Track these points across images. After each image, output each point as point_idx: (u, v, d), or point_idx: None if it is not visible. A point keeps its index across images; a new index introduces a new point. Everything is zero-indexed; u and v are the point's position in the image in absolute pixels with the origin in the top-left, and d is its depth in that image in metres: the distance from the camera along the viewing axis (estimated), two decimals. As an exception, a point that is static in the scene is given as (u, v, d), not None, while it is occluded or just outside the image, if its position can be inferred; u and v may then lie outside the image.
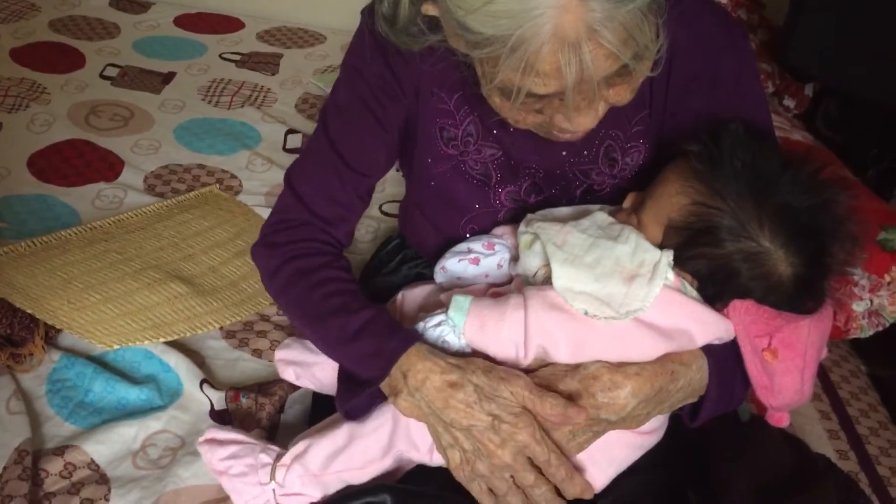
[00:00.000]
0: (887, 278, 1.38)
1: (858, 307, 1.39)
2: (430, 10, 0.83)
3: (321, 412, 1.07)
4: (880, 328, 1.42)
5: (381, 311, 0.97)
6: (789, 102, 2.02)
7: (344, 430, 0.96)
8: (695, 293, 0.90)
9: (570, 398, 0.87)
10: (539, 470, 0.87)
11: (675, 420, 0.98)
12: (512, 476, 0.87)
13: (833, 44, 1.64)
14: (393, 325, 0.95)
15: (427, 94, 1.01)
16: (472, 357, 0.90)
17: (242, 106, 1.93)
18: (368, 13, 0.99)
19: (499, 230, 1.06)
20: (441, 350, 0.91)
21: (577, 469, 0.90)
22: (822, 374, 1.42)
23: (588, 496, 0.90)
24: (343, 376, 0.98)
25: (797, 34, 1.70)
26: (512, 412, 0.85)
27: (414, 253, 1.19)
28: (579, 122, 0.83)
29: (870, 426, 1.32)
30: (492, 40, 0.74)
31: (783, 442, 1.06)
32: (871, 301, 1.39)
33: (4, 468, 0.99)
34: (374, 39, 0.98)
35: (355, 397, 0.93)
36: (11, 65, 1.94)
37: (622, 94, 0.84)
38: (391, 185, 1.71)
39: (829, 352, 1.47)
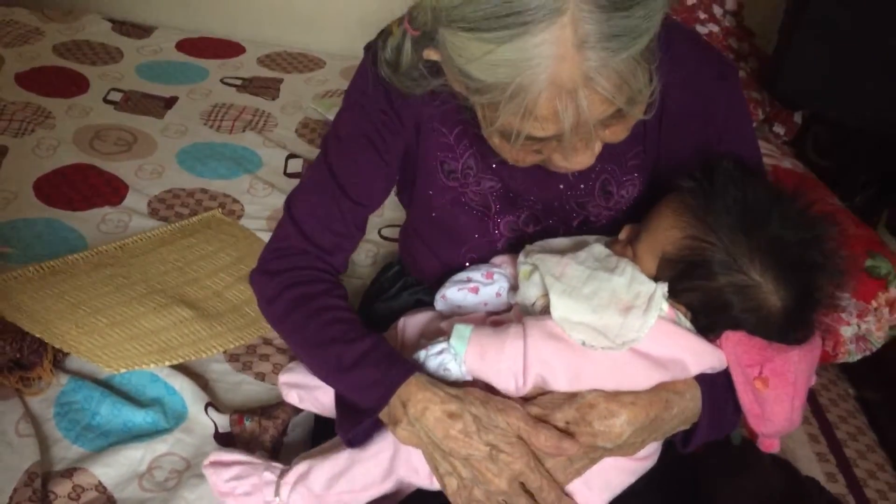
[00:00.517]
0: (874, 304, 1.42)
1: (846, 332, 1.43)
2: (431, 55, 0.87)
3: (323, 434, 1.09)
4: (867, 353, 1.46)
5: (380, 341, 0.99)
6: (779, 129, 2.07)
7: (345, 454, 0.99)
8: (688, 324, 0.93)
9: (568, 426, 0.90)
10: (531, 495, 0.90)
11: (669, 444, 1.02)
12: (505, 501, 0.90)
13: (821, 73, 1.68)
14: (392, 355, 0.97)
15: (428, 129, 1.04)
16: (471, 385, 0.93)
17: (244, 130, 1.97)
18: (371, 50, 1.03)
19: (497, 259, 1.09)
20: (441, 377, 0.94)
21: (567, 496, 0.93)
22: (812, 398, 1.45)
23: None
24: (341, 404, 1.00)
25: (786, 64, 1.74)
26: (508, 442, 0.88)
27: (414, 280, 1.22)
28: (577, 161, 0.87)
29: (858, 449, 1.36)
30: (492, 87, 0.77)
31: (773, 465, 1.09)
32: (859, 326, 1.43)
33: (15, 490, 1.01)
34: (376, 75, 1.01)
35: (355, 426, 0.95)
36: (16, 89, 1.97)
37: (618, 134, 0.87)
38: (390, 210, 1.74)
39: (818, 376, 1.51)
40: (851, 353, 1.46)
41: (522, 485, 0.90)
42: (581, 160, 0.87)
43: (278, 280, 1.06)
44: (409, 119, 1.04)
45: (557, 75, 0.74)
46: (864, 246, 1.47)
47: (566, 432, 0.90)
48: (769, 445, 0.99)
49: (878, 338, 1.45)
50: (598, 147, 0.88)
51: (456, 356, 0.95)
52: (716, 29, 2.11)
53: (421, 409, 0.89)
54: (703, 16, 2.13)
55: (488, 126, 0.85)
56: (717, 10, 2.19)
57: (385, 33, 0.96)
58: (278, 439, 1.16)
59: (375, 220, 1.62)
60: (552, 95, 0.76)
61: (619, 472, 0.97)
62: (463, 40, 0.77)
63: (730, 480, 1.03)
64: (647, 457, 0.98)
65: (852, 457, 1.33)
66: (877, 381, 1.57)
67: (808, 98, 1.81)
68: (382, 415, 0.94)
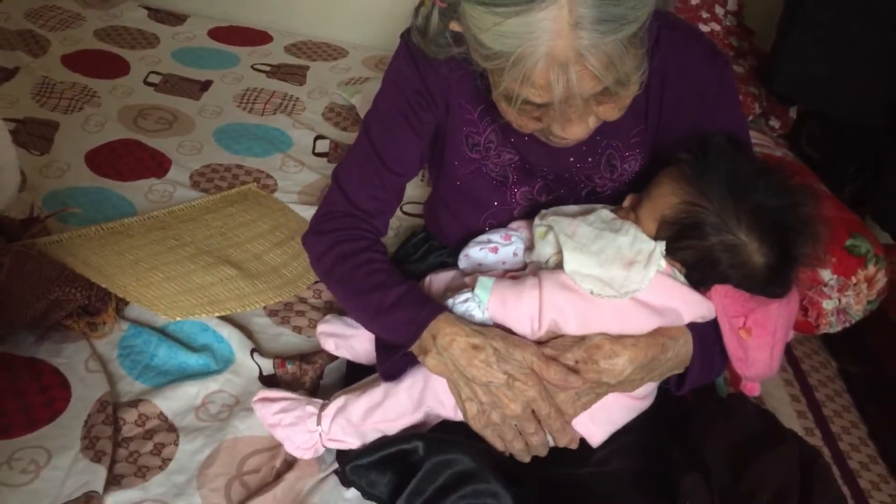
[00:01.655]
0: (854, 280, 1.55)
1: (828, 305, 1.56)
2: (455, 26, 1.00)
3: (355, 378, 1.22)
4: (847, 325, 1.59)
5: (414, 286, 1.14)
6: (775, 123, 2.19)
7: (381, 388, 1.12)
8: (682, 278, 1.07)
9: (577, 364, 1.04)
10: (539, 422, 1.04)
11: (664, 392, 1.15)
12: (517, 426, 1.04)
13: (813, 70, 1.80)
14: (424, 298, 1.12)
15: (455, 106, 1.18)
16: (492, 328, 1.07)
17: (274, 113, 2.10)
18: (406, 35, 1.17)
19: (514, 224, 1.23)
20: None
21: (571, 426, 1.07)
22: (794, 362, 1.59)
23: (573, 446, 1.07)
24: (381, 345, 1.15)
25: (781, 61, 1.87)
26: (524, 373, 1.02)
27: (438, 244, 1.36)
28: (571, 131, 1.00)
29: (834, 409, 1.49)
30: (498, 55, 0.90)
31: (756, 414, 1.22)
32: (840, 300, 1.56)
33: (89, 415, 1.15)
34: (412, 59, 1.15)
35: (392, 359, 1.09)
36: (64, 70, 2.10)
37: (610, 112, 1.00)
38: (411, 188, 1.85)
39: (801, 344, 1.64)
40: (832, 325, 1.59)
41: (533, 413, 1.04)
42: (575, 130, 1.00)
43: (326, 238, 1.21)
44: (440, 98, 1.17)
45: (553, 48, 0.87)
46: (845, 227, 1.60)
47: (575, 370, 1.04)
48: (751, 388, 1.13)
49: (857, 311, 1.58)
50: (592, 122, 1.00)
51: (480, 304, 1.09)
52: (717, 28, 2.23)
53: (448, 340, 1.03)
54: (705, 15, 2.25)
55: (496, 90, 0.98)
56: (719, 10, 2.31)
57: (419, 4, 1.08)
58: (316, 381, 1.30)
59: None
60: (547, 66, 0.88)
61: (620, 408, 1.11)
62: (479, 12, 0.90)
63: (716, 423, 1.15)
64: (644, 396, 1.12)
65: (829, 415, 1.47)
66: (857, 355, 1.71)
67: (801, 93, 1.94)
68: (414, 348, 1.07)
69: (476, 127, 1.19)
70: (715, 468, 1.07)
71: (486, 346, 1.02)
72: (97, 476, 1.07)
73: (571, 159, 1.18)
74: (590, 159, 1.18)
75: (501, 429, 1.04)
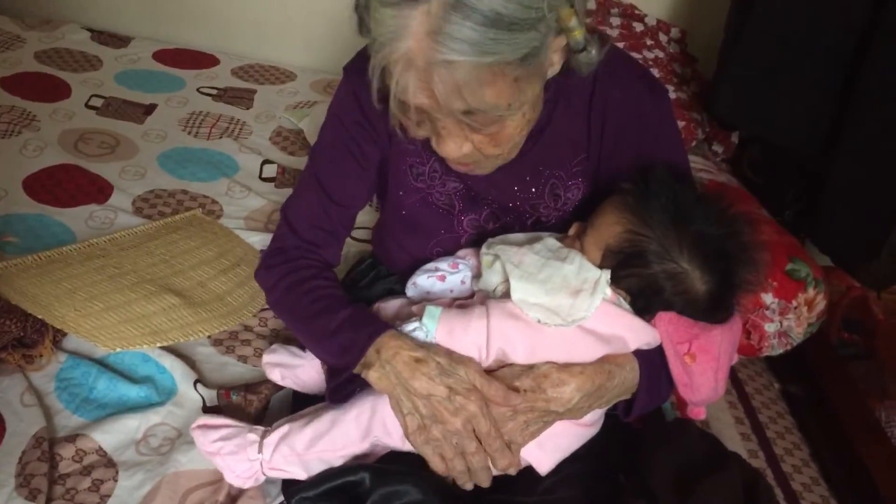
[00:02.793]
0: (794, 304, 1.58)
1: (770, 328, 1.59)
2: None
3: (301, 408, 1.20)
4: (789, 347, 1.62)
5: (359, 309, 1.14)
6: (717, 148, 2.24)
7: (327, 417, 1.11)
8: (628, 306, 1.08)
9: (525, 393, 1.04)
10: (479, 442, 1.04)
11: (611, 418, 1.16)
12: (457, 444, 1.03)
13: (751, 96, 1.84)
14: (369, 319, 1.12)
15: (397, 138, 1.18)
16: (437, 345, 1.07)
17: (220, 137, 2.07)
18: (348, 69, 1.17)
19: (462, 252, 1.23)
20: None
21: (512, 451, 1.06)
22: (738, 385, 1.61)
23: (512, 472, 1.07)
24: (330, 371, 1.14)
25: (721, 88, 1.91)
26: (466, 387, 1.02)
27: (386, 271, 1.36)
28: (443, 147, 1.01)
29: (777, 430, 1.52)
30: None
31: (701, 438, 1.24)
32: (781, 323, 1.59)
33: (24, 452, 1.11)
34: (353, 91, 1.16)
35: (338, 380, 1.09)
36: (2, 93, 2.05)
37: (486, 146, 1.01)
38: (360, 214, 1.86)
39: (745, 367, 1.67)
40: (774, 348, 1.62)
41: (474, 432, 1.03)
42: (446, 148, 1.01)
43: (275, 272, 1.21)
44: (382, 129, 1.17)
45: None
46: (785, 251, 1.63)
47: (516, 390, 1.03)
48: (697, 413, 1.15)
49: (798, 334, 1.61)
50: (467, 148, 1.01)
51: (427, 333, 1.08)
52: (661, 55, 2.28)
53: (392, 353, 1.03)
54: (649, 42, 2.30)
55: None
56: (663, 38, 2.36)
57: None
58: (261, 411, 1.28)
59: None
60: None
61: (569, 436, 1.11)
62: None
63: (661, 449, 1.16)
64: (592, 423, 1.12)
65: (772, 437, 1.49)
66: (799, 375, 1.74)
67: (739, 118, 1.98)
68: (359, 366, 1.07)
69: (420, 157, 1.19)
70: (661, 494, 1.09)
71: (430, 359, 1.03)
72: (31, 516, 1.03)
73: (515, 188, 1.19)
74: (533, 189, 1.19)
75: (442, 445, 1.03)
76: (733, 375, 1.63)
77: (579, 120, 1.14)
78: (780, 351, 1.62)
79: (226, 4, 2.61)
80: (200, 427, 1.14)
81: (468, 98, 0.89)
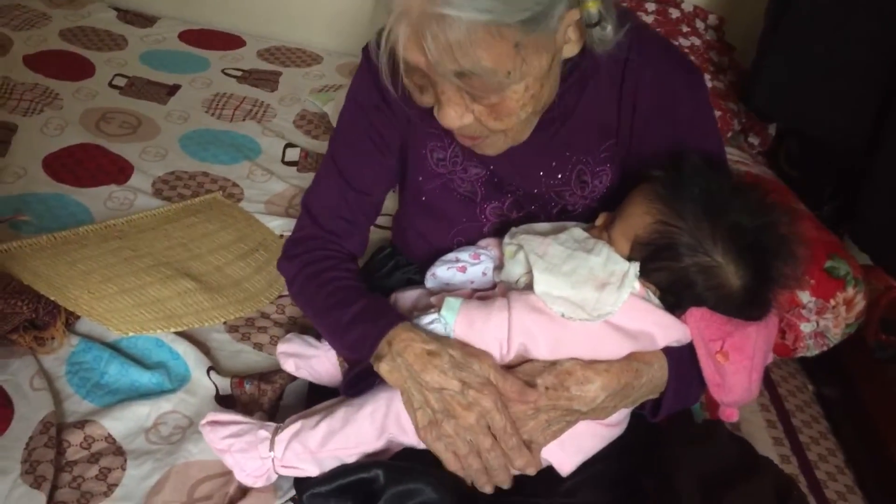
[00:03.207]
0: (832, 303, 1.52)
1: (806, 328, 1.53)
2: None
3: (316, 400, 1.16)
4: (825, 348, 1.56)
5: (374, 301, 1.10)
6: (753, 140, 2.17)
7: (341, 414, 1.07)
8: (657, 301, 1.03)
9: (547, 391, 0.99)
10: (495, 439, 0.99)
11: (636, 418, 1.11)
12: (471, 441, 0.99)
13: (791, 88, 1.77)
14: (382, 310, 1.08)
15: (418, 121, 1.14)
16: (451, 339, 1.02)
17: (244, 119, 2.04)
18: (367, 50, 1.12)
19: (483, 242, 1.18)
20: None
21: (532, 452, 1.01)
22: (771, 386, 1.55)
23: (531, 472, 1.02)
24: (348, 363, 1.11)
25: (760, 78, 1.84)
26: (479, 381, 0.97)
27: (405, 260, 1.31)
28: (442, 115, 0.96)
29: (811, 435, 1.46)
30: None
31: (731, 441, 1.18)
32: (818, 323, 1.53)
33: (31, 437, 1.08)
34: (372, 73, 1.11)
35: (353, 373, 1.05)
36: (25, 70, 2.03)
37: (487, 118, 0.95)
38: (382, 200, 1.82)
39: (778, 368, 1.61)
40: (810, 348, 1.56)
41: (489, 429, 0.99)
42: (445, 115, 0.95)
43: (295, 262, 1.19)
44: (401, 112, 1.13)
45: (408, 4, 0.83)
46: (824, 248, 1.57)
47: (533, 385, 0.99)
48: (729, 415, 1.09)
49: (835, 334, 1.55)
50: (468, 118, 0.95)
51: (446, 326, 1.04)
52: (698, 42, 2.21)
53: (404, 345, 0.99)
54: (685, 29, 2.23)
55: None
56: (700, 25, 2.29)
57: None
58: (275, 402, 1.24)
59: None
60: (399, 17, 0.84)
61: (591, 437, 1.06)
62: None
63: (689, 451, 1.11)
64: (617, 423, 1.08)
65: (806, 442, 1.43)
66: (834, 378, 1.67)
67: (778, 111, 1.91)
68: (372, 359, 1.03)
69: (441, 141, 1.15)
70: (687, 499, 1.03)
71: (443, 352, 0.98)
72: (36, 503, 1.00)
73: (540, 174, 1.14)
74: (559, 175, 1.14)
75: (455, 442, 0.99)
76: (766, 376, 1.57)
77: (609, 103, 1.09)
78: (816, 352, 1.55)
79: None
80: (210, 423, 1.10)
81: (460, 59, 0.85)
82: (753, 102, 1.92)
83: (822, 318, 1.52)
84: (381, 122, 1.15)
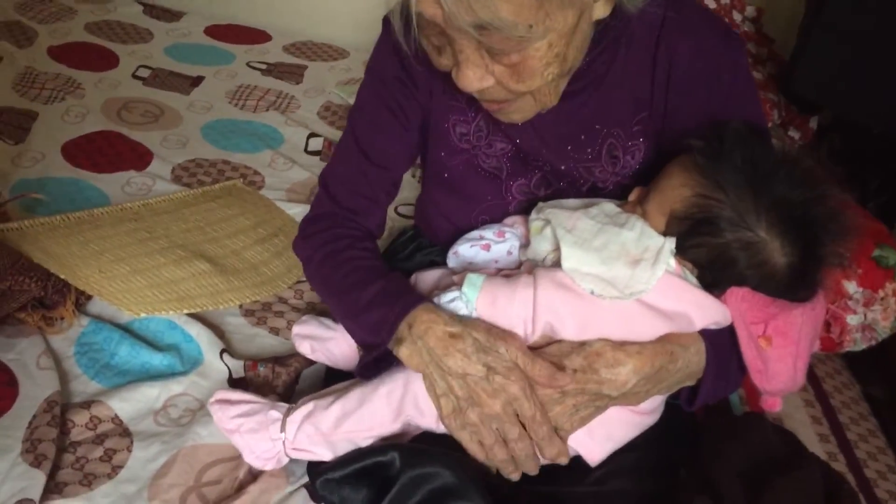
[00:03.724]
0: (881, 294, 1.43)
1: (853, 320, 1.44)
2: None
3: (333, 385, 1.12)
4: (873, 342, 1.47)
5: (393, 280, 1.04)
6: (794, 134, 2.09)
7: (356, 394, 1.01)
8: (694, 280, 0.95)
9: (575, 373, 0.92)
10: (523, 427, 0.92)
11: (671, 407, 1.04)
12: (498, 430, 0.92)
13: (835, 74, 1.70)
14: (401, 291, 1.01)
15: (440, 93, 1.08)
16: (476, 319, 0.96)
17: (267, 110, 2.00)
18: (387, 21, 1.07)
19: (509, 220, 1.12)
20: None
21: (564, 441, 0.95)
22: (815, 381, 1.46)
23: (563, 462, 0.95)
24: (363, 345, 1.05)
25: (801, 64, 1.76)
26: (506, 366, 0.91)
27: (428, 242, 1.25)
28: (462, 78, 0.88)
29: (859, 433, 1.37)
30: None
31: (775, 434, 1.11)
32: (865, 315, 1.44)
33: (34, 416, 1.04)
34: (392, 45, 1.06)
35: (369, 355, 0.99)
36: (48, 61, 2.01)
37: (507, 78, 0.88)
38: (405, 189, 1.76)
39: (822, 363, 1.52)
40: (857, 342, 1.47)
41: (517, 417, 0.92)
42: (465, 78, 0.88)
43: (312, 242, 1.13)
44: (423, 85, 1.08)
45: None
46: (872, 237, 1.49)
47: (564, 369, 0.92)
48: (772, 404, 1.01)
49: (884, 328, 1.46)
50: (488, 81, 0.89)
51: (468, 303, 0.98)
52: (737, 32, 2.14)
53: (424, 328, 0.93)
54: (722, 20, 2.16)
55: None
56: (737, 16, 2.21)
57: None
58: (290, 386, 1.19)
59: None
60: None
61: (622, 424, 0.99)
62: None
63: (729, 442, 1.04)
64: (650, 411, 1.00)
65: (853, 439, 1.34)
66: (882, 377, 1.58)
67: (820, 96, 1.83)
68: (391, 342, 0.97)
69: (464, 115, 1.09)
70: (727, 492, 0.96)
71: (466, 335, 0.92)
72: (35, 482, 0.96)
73: (569, 148, 1.07)
74: (589, 150, 1.07)
75: (480, 430, 0.92)
76: (809, 371, 1.48)
77: (642, 72, 1.02)
78: (864, 346, 1.47)
79: (280, -19, 2.56)
80: (219, 402, 1.05)
81: (479, 10, 0.78)
82: (796, 88, 1.84)
83: (870, 309, 1.44)
84: (402, 94, 1.09)
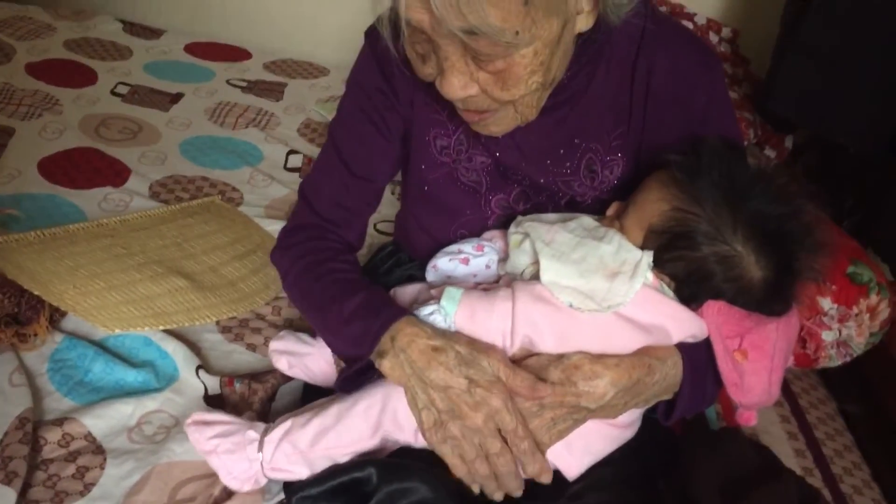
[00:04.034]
0: (855, 310, 1.44)
1: (828, 337, 1.45)
2: None
3: (310, 402, 1.10)
4: (848, 358, 1.48)
5: (374, 293, 1.03)
6: (770, 153, 2.11)
7: (333, 410, 1.00)
8: (671, 293, 0.96)
9: (553, 386, 0.92)
10: (505, 442, 0.92)
11: (648, 421, 1.04)
12: (480, 444, 0.92)
13: (809, 92, 1.72)
14: (382, 304, 1.01)
15: (421, 105, 1.09)
16: (458, 333, 0.96)
17: (247, 127, 2.00)
18: (370, 34, 1.08)
19: (488, 234, 1.12)
20: None
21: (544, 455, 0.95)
22: (791, 397, 1.47)
23: (545, 480, 0.94)
24: (344, 359, 1.04)
25: (776, 83, 1.78)
26: (488, 379, 0.91)
27: (407, 257, 1.25)
28: (446, 85, 0.89)
29: (835, 448, 1.37)
30: None
31: (752, 448, 1.11)
32: (840, 331, 1.45)
33: (6, 433, 1.02)
34: (375, 57, 1.07)
35: (349, 369, 0.98)
36: (26, 78, 1.99)
37: (492, 86, 0.89)
38: (385, 206, 1.76)
39: (798, 380, 1.53)
40: (832, 358, 1.48)
41: (499, 432, 0.92)
42: (449, 86, 0.89)
43: (291, 253, 1.12)
44: (405, 96, 1.08)
45: None
46: (846, 253, 1.50)
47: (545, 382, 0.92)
48: (748, 418, 1.01)
49: (859, 344, 1.47)
50: (473, 89, 0.89)
51: (446, 317, 0.97)
52: (710, 54, 2.17)
53: (407, 341, 0.92)
54: (698, 41, 2.19)
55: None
56: (714, 37, 2.25)
57: None
58: (266, 403, 1.18)
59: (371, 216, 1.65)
60: None
61: (600, 437, 0.99)
62: None
63: (707, 455, 1.04)
64: (628, 425, 1.00)
65: (829, 454, 1.35)
66: (857, 394, 1.59)
67: (795, 116, 1.85)
68: (373, 355, 0.96)
69: (445, 128, 1.09)
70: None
71: (449, 348, 0.92)
72: (5, 500, 0.94)
73: (548, 162, 1.08)
74: (568, 164, 1.08)
75: (461, 444, 0.92)
76: (785, 387, 1.49)
77: (621, 88, 1.03)
78: (839, 362, 1.48)
79: (258, 1, 2.56)
80: (196, 423, 1.04)
81: (468, 15, 0.79)
82: (771, 107, 1.86)
83: (845, 326, 1.45)
84: (384, 105, 1.10)
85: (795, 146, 2.15)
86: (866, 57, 1.62)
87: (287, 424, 1.02)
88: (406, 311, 0.98)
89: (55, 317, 1.23)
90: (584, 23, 0.92)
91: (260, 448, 1.01)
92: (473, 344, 0.94)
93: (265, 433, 1.02)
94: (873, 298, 1.45)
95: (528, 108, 0.95)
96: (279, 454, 1.00)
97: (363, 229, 1.18)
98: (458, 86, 0.89)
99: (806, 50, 1.70)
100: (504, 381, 0.91)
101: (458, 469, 0.94)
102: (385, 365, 0.94)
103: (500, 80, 0.88)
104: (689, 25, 2.24)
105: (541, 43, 0.86)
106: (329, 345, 1.10)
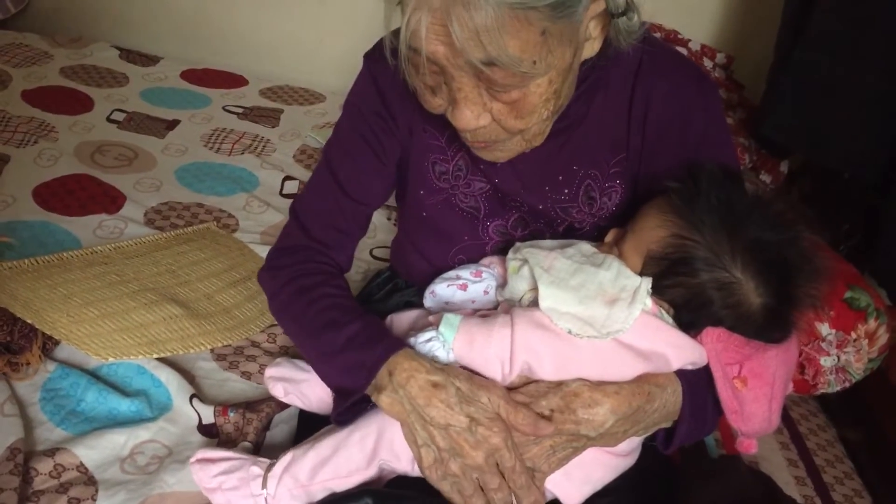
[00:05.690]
0: (853, 335, 1.44)
1: (826, 363, 1.44)
2: None
3: (307, 431, 1.09)
4: (847, 384, 1.47)
5: (370, 323, 1.02)
6: (765, 178, 2.12)
7: (329, 442, 0.99)
8: (670, 320, 0.95)
9: (552, 414, 0.91)
10: (503, 477, 0.91)
11: (648, 450, 1.03)
12: (478, 480, 0.91)
13: (805, 118, 1.72)
14: (379, 335, 0.99)
15: (420, 131, 1.08)
16: (457, 367, 0.95)
17: (242, 153, 2.00)
18: (369, 57, 1.08)
19: (486, 260, 1.12)
20: None
21: (540, 486, 0.94)
22: (791, 424, 1.46)
23: None
24: (336, 389, 1.02)
25: (772, 108, 1.79)
26: (488, 417, 0.89)
27: (404, 283, 1.24)
28: (458, 116, 0.89)
29: (835, 475, 1.36)
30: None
31: (752, 477, 1.10)
32: (839, 357, 1.45)
33: (-4, 464, 1.01)
34: (373, 81, 1.06)
35: (345, 404, 0.97)
36: (22, 105, 2.00)
37: (506, 116, 0.89)
38: (382, 232, 1.77)
39: (797, 406, 1.52)
40: (831, 384, 1.47)
41: (497, 466, 0.91)
42: (462, 117, 0.89)
43: (281, 275, 1.10)
44: (403, 121, 1.08)
45: None
46: (844, 279, 1.50)
47: (547, 418, 0.92)
48: (748, 446, 1.00)
49: (857, 369, 1.46)
50: (485, 119, 0.89)
51: (444, 343, 0.97)
52: (705, 79, 2.18)
53: (406, 377, 0.91)
54: (693, 67, 2.20)
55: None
56: (708, 63, 2.26)
57: None
58: (261, 433, 1.16)
59: (367, 241, 1.64)
60: (418, 6, 0.79)
61: (600, 466, 0.98)
62: None
63: (706, 486, 1.03)
64: (627, 453, 0.99)
65: (830, 482, 1.34)
66: (857, 420, 1.58)
67: (791, 141, 1.85)
68: (370, 388, 0.95)
69: (444, 153, 1.09)
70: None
71: (449, 384, 0.90)
72: (-5, 534, 0.92)
73: (546, 188, 1.07)
74: (566, 190, 1.08)
75: (461, 481, 0.91)
76: (784, 413, 1.48)
77: (619, 115, 1.03)
78: (838, 388, 1.47)
79: (255, 28, 2.58)
80: (200, 461, 1.03)
81: (488, 46, 0.79)
82: (766, 133, 1.86)
83: (843, 351, 1.44)
84: (381, 129, 1.09)
85: (791, 171, 2.16)
86: (860, 83, 1.63)
87: (288, 458, 1.01)
88: (403, 342, 0.97)
89: (48, 345, 1.22)
90: (589, 49, 0.93)
91: (264, 484, 1.00)
92: (473, 379, 0.92)
93: (269, 469, 1.01)
94: (871, 324, 1.45)
95: (537, 135, 0.95)
96: (282, 489, 0.99)
97: (352, 252, 1.17)
98: (472, 117, 0.88)
99: (800, 76, 1.71)
100: (505, 418, 0.90)
101: (457, 503, 0.92)
102: (384, 400, 0.93)
103: (515, 109, 0.88)
104: (684, 51, 2.26)
105: (555, 72, 0.86)
106: (320, 374, 1.07)
